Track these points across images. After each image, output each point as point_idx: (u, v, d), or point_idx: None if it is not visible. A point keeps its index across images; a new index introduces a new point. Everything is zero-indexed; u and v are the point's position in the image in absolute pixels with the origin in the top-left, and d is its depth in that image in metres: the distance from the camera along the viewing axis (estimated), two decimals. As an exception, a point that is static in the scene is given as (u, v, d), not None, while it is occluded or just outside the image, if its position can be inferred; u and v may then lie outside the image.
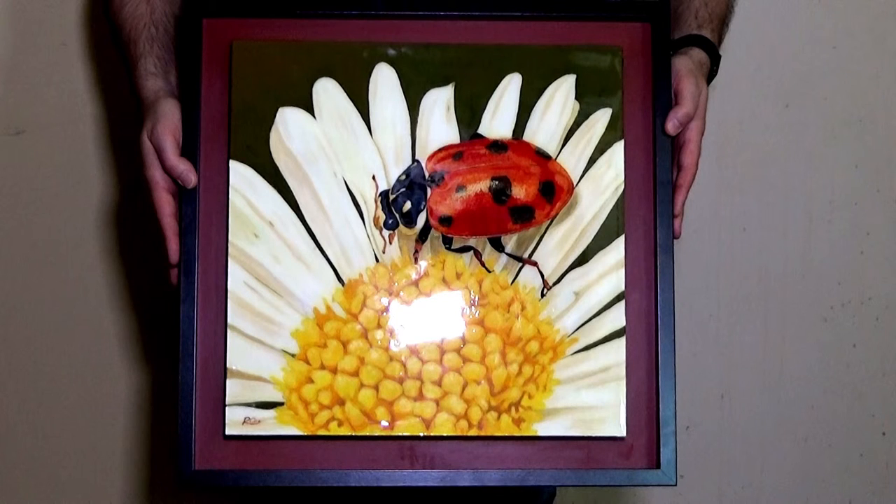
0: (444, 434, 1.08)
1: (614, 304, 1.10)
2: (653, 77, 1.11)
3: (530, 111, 1.11)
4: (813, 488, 1.68)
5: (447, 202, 1.10)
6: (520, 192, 1.10)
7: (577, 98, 1.11)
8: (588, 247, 1.10)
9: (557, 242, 1.10)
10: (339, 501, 1.24)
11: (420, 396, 1.09)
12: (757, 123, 1.64)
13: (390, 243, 1.10)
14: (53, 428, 1.59)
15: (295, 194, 1.10)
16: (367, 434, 1.08)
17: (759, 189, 1.64)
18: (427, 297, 1.10)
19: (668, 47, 1.12)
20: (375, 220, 1.10)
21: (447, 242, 1.10)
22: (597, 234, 1.10)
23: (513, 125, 1.11)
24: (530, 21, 1.12)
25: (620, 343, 1.10)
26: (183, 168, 1.08)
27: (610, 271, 1.10)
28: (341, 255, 1.10)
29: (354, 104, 1.10)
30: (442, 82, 1.11)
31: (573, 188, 1.11)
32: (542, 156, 1.11)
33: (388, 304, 1.09)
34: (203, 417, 1.08)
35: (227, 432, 1.08)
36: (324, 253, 1.09)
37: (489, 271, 1.10)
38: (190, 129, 1.09)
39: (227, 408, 1.08)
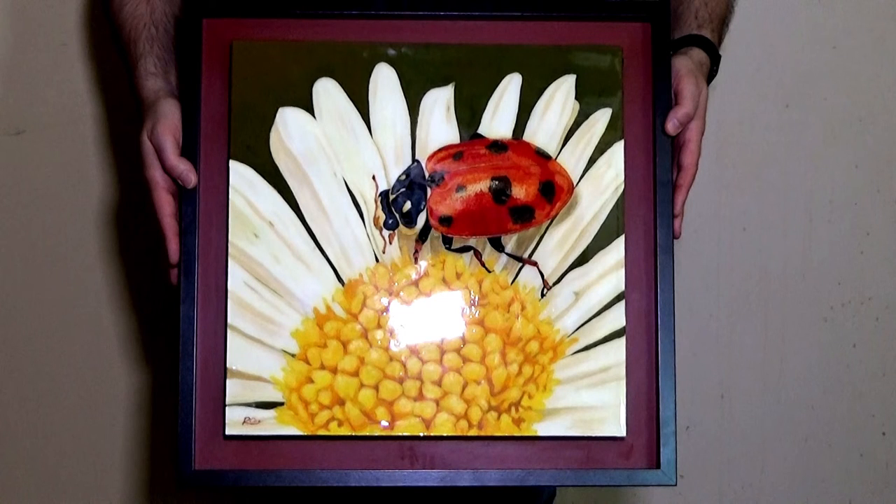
0: (444, 434, 1.08)
1: (614, 304, 1.10)
2: (653, 77, 1.11)
3: (530, 111, 1.11)
4: (813, 488, 1.68)
5: (447, 202, 1.10)
6: (520, 192, 1.10)
7: (577, 98, 1.11)
8: (588, 247, 1.10)
9: (557, 242, 1.10)
10: (339, 501, 1.24)
11: (420, 396, 1.09)
12: (757, 123, 1.64)
13: (390, 243, 1.10)
14: (53, 428, 1.59)
15: (295, 194, 1.10)
16: (367, 434, 1.08)
17: (759, 189, 1.64)
18: (427, 297, 1.10)
19: (668, 47, 1.12)
20: (375, 220, 1.10)
21: (447, 242, 1.10)
22: (597, 234, 1.10)
23: (513, 125, 1.11)
24: (530, 21, 1.12)
25: (620, 343, 1.10)
26: (183, 168, 1.08)
27: (610, 271, 1.10)
28: (341, 255, 1.09)
29: (354, 104, 1.10)
30: (442, 82, 1.10)
31: (573, 188, 1.11)
32: (542, 156, 1.11)
33: (388, 304, 1.09)
34: (203, 417, 1.08)
35: (227, 432, 1.08)
36: (324, 253, 1.09)
37: (489, 271, 1.10)
38: (190, 129, 1.09)
39: (227, 408, 1.08)
